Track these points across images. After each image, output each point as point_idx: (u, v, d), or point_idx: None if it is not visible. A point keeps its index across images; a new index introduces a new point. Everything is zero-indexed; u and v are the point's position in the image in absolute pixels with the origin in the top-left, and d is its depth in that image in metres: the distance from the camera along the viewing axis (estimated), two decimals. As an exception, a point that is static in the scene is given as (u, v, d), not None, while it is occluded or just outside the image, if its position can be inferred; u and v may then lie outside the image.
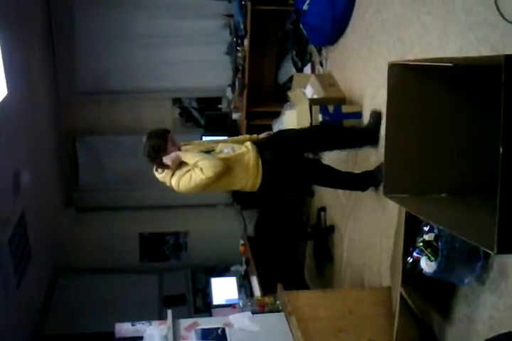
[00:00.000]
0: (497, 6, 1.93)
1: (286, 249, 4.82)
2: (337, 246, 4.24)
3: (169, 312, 2.62)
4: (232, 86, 5.14)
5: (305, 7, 3.91)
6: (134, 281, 5.49)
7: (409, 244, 2.19)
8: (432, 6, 2.50)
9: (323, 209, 4.51)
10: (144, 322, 2.63)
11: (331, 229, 4.31)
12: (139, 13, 5.11)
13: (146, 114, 5.59)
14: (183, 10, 5.09)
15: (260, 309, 2.80)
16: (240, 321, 2.66)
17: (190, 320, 2.67)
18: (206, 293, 5.02)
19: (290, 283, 4.76)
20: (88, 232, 5.49)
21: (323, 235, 4.43)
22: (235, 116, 5.10)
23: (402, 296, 2.71)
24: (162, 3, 5.09)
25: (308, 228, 4.82)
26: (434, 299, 2.51)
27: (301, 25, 4.25)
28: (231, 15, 4.96)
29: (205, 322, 2.68)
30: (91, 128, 5.62)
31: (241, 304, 2.83)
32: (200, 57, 5.27)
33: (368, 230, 3.49)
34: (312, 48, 4.62)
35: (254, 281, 4.41)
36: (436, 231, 1.98)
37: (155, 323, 2.63)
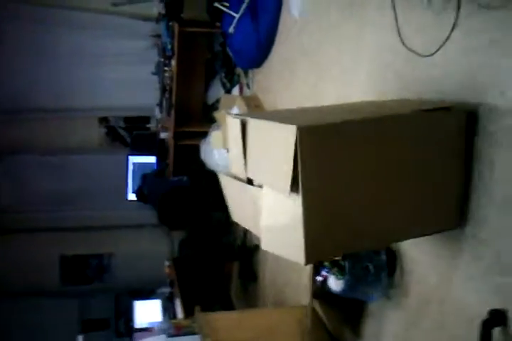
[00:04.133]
0: (399, 34, 2.04)
1: (212, 270, 4.78)
2: (261, 266, 4.25)
3: (79, 338, 2.53)
4: (160, 105, 5.12)
5: (231, 30, 3.97)
6: (54, 305, 5.30)
7: (320, 262, 2.23)
8: (346, 32, 2.61)
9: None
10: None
11: (256, 248, 4.33)
12: (66, 32, 5.03)
13: (72, 133, 5.47)
14: (110, 29, 5.05)
15: (176, 332, 2.75)
16: (155, 344, 2.61)
17: (102, 345, 2.58)
18: (130, 316, 4.90)
19: (217, 304, 4.73)
20: (7, 255, 5.26)
21: (248, 255, 4.44)
22: (163, 135, 5.07)
23: (317, 314, 2.75)
24: (90, 22, 5.03)
25: (235, 248, 4.82)
26: (347, 316, 2.56)
27: (227, 48, 4.31)
28: (159, 36, 4.96)
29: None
30: (13, 147, 5.42)
31: (156, 327, 2.78)
32: (128, 76, 5.23)
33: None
34: (240, 70, 4.69)
35: (178, 304, 4.34)
36: (343, 249, 2.03)
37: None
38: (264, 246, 1.67)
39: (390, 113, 1.62)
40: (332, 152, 1.44)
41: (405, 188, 1.58)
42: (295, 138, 1.35)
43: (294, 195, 1.42)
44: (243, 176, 1.71)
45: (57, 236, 5.47)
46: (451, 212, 1.68)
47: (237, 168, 1.73)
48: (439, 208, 1.67)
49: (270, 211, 1.61)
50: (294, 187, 1.41)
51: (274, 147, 1.46)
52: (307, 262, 1.45)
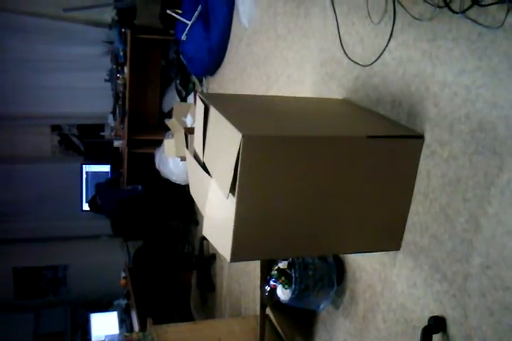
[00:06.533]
0: (342, 44, 2.05)
1: (169, 280, 4.72)
2: (218, 275, 4.22)
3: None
4: (114, 113, 5.04)
5: (183, 37, 3.94)
6: (7, 320, 5.13)
7: (269, 272, 2.22)
8: (291, 42, 2.62)
9: (205, 237, 4.48)
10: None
11: (213, 257, 4.29)
12: (16, 37, 4.90)
13: (22, 141, 5.33)
14: (62, 35, 4.94)
15: (127, 345, 2.70)
16: (105, 359, 2.55)
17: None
18: (86, 329, 4.79)
19: (176, 315, 4.67)
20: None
21: (206, 264, 4.40)
22: (116, 143, 4.99)
23: (272, 323, 2.74)
24: (41, 27, 4.91)
25: (193, 258, 4.77)
26: (300, 324, 2.55)
27: (180, 55, 4.28)
28: (112, 42, 4.89)
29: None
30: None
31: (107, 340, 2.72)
32: (80, 83, 5.13)
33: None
34: (194, 78, 4.66)
35: (134, 315, 4.26)
36: (290, 259, 2.03)
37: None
38: (204, 231, 1.76)
39: (343, 133, 1.57)
40: (274, 162, 1.44)
41: (345, 207, 1.59)
42: (238, 146, 1.34)
43: (231, 196, 1.45)
44: (201, 157, 1.74)
45: (9, 249, 5.31)
46: (395, 235, 1.71)
47: (198, 147, 1.76)
48: (382, 229, 1.69)
49: (213, 202, 1.65)
50: (232, 188, 1.43)
51: (225, 144, 1.47)
52: (232, 260, 1.52)
